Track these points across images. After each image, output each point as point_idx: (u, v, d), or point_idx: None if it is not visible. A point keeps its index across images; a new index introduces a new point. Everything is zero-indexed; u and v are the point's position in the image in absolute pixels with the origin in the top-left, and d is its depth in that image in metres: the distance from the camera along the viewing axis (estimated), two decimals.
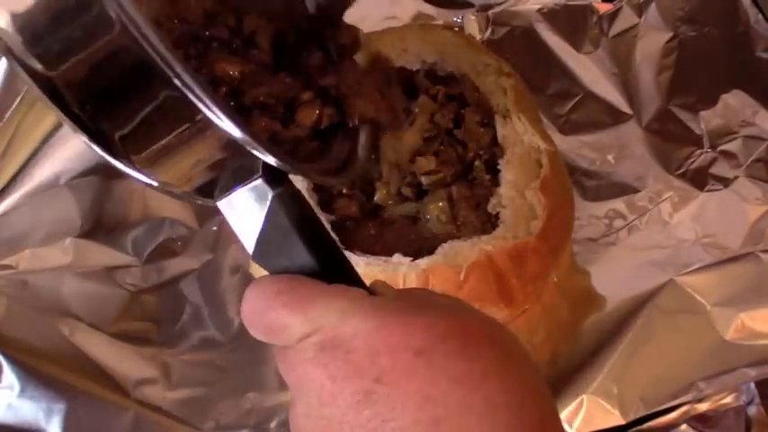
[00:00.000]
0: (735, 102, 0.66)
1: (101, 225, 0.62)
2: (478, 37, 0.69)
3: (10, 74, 0.63)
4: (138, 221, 0.62)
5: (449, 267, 0.51)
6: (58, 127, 0.63)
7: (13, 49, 0.29)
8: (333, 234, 0.51)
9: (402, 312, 0.30)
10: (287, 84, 0.38)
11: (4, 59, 0.61)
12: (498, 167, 0.54)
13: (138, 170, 0.32)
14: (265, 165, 0.32)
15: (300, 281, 0.31)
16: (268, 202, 0.32)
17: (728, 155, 0.65)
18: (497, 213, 0.53)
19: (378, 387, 0.28)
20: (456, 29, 0.68)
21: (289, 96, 0.38)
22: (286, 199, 0.32)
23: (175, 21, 0.36)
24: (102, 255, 0.61)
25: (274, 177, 0.32)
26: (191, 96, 0.27)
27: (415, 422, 0.28)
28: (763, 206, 0.63)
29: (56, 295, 0.59)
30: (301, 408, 0.30)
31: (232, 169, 0.32)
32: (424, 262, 0.51)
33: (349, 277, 0.33)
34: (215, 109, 0.28)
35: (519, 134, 0.55)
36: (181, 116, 0.29)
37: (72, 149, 0.63)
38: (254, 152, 0.29)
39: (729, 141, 0.65)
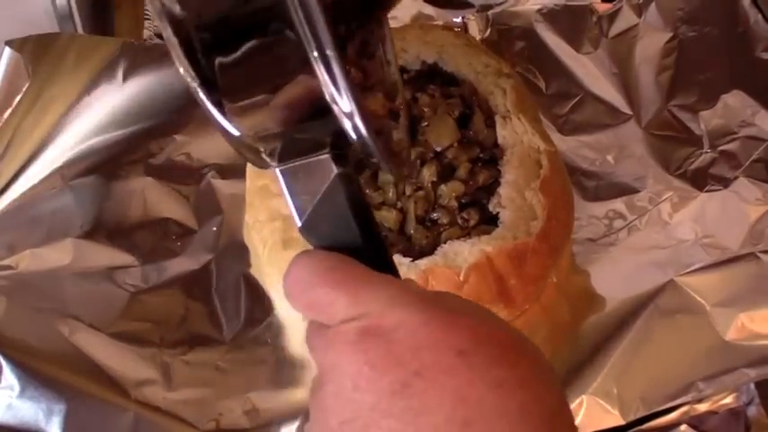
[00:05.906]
0: (735, 102, 0.66)
1: (101, 225, 0.62)
2: (478, 37, 0.69)
3: (9, 73, 0.63)
4: (138, 221, 0.62)
5: (448, 268, 0.51)
6: (58, 127, 0.63)
7: None
8: None
9: (447, 311, 0.30)
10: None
11: (3, 56, 0.62)
12: (498, 168, 0.55)
13: (226, 117, 0.32)
14: (333, 142, 0.32)
15: (352, 262, 0.32)
16: (330, 179, 0.32)
17: (728, 155, 0.65)
18: (497, 213, 0.53)
19: (416, 380, 0.29)
20: (456, 29, 0.68)
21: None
22: (347, 180, 0.33)
23: None
24: (102, 255, 0.61)
25: (340, 156, 0.32)
26: (319, 64, 0.27)
27: (447, 420, 0.28)
28: (763, 206, 0.63)
29: (56, 295, 0.59)
30: (331, 388, 0.30)
31: (304, 139, 0.32)
32: (423, 262, 0.51)
33: (391, 267, 0.34)
34: (341, 81, 0.28)
35: (519, 134, 0.55)
36: (293, 76, 0.29)
37: (72, 150, 0.63)
38: (355, 127, 0.29)
39: (729, 141, 0.65)
